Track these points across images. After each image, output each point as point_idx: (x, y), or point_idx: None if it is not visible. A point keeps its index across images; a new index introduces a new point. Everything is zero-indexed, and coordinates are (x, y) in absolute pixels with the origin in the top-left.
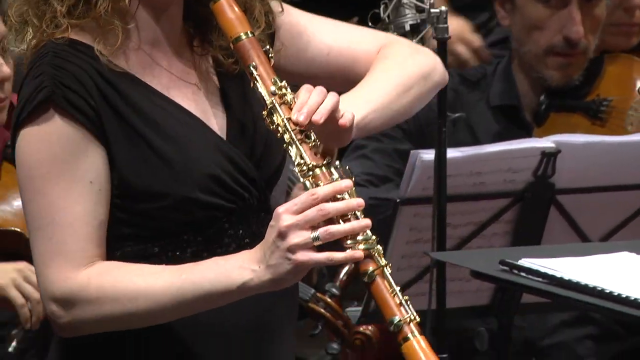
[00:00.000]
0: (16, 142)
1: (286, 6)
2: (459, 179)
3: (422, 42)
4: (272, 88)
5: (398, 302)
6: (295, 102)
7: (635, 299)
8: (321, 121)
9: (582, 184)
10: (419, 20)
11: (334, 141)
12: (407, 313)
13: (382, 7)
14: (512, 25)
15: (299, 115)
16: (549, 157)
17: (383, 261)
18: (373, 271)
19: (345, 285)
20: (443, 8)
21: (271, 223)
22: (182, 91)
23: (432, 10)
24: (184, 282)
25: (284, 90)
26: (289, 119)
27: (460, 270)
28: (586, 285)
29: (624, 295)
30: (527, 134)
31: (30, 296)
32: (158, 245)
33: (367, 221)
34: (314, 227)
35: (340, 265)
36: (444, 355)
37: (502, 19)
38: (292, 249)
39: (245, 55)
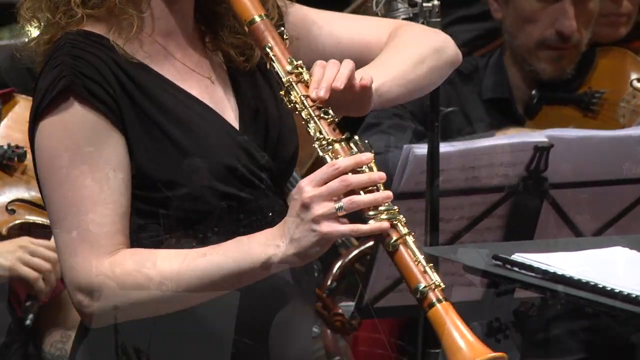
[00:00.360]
0: (35, 134)
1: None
2: (451, 174)
3: None
4: (288, 67)
5: (422, 269)
6: (311, 80)
7: (629, 294)
8: (341, 87)
9: (575, 178)
10: (411, 15)
11: (355, 110)
12: (432, 280)
13: (374, 1)
14: (504, 18)
15: (319, 90)
16: (541, 151)
17: (406, 230)
18: (396, 240)
19: (338, 280)
20: (435, 2)
21: (294, 197)
22: (196, 83)
23: (424, 4)
24: (208, 262)
25: (300, 69)
26: (307, 96)
27: (453, 265)
28: (579, 280)
29: (617, 290)
30: (519, 126)
31: (41, 268)
32: (174, 236)
33: (389, 192)
34: (336, 199)
35: (333, 260)
36: (437, 351)
37: (495, 11)
38: (317, 220)
39: (261, 37)
